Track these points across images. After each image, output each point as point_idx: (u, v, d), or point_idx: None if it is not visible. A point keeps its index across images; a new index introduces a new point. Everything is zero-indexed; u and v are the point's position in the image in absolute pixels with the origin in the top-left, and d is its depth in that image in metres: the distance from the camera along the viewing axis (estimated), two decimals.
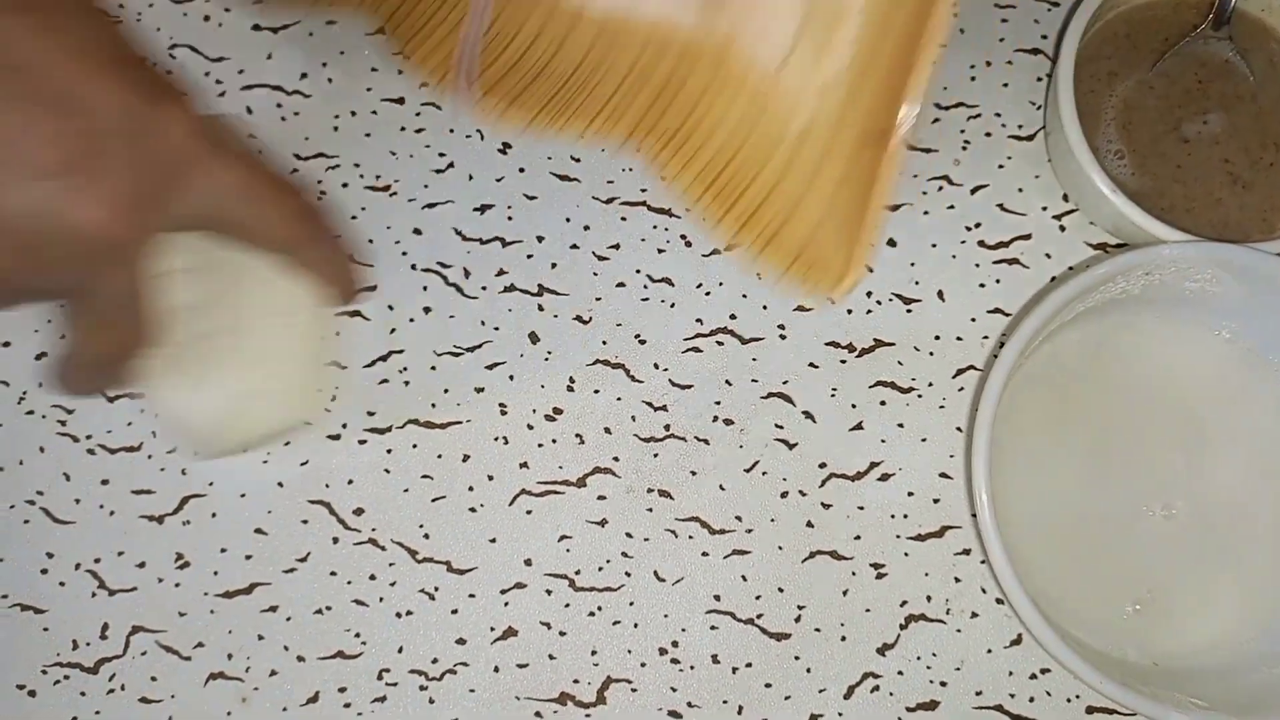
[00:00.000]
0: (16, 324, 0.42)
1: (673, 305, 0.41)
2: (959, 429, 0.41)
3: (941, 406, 0.41)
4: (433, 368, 0.41)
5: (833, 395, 0.41)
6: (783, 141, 0.33)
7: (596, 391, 0.41)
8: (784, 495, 0.40)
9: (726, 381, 0.41)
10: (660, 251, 0.42)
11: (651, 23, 0.36)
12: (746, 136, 0.34)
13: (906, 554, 0.40)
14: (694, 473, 0.40)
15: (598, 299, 0.41)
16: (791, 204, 0.33)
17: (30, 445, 0.41)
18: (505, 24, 0.37)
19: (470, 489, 0.40)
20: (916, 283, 0.42)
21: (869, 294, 0.42)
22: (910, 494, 0.40)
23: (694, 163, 0.34)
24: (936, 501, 0.40)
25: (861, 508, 0.40)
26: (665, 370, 0.41)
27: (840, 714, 0.39)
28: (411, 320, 0.41)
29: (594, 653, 0.39)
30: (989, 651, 0.39)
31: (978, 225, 0.42)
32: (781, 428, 0.41)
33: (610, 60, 0.36)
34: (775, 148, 0.34)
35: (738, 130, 0.34)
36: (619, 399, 0.41)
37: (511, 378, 0.41)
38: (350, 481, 0.41)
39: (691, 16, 0.35)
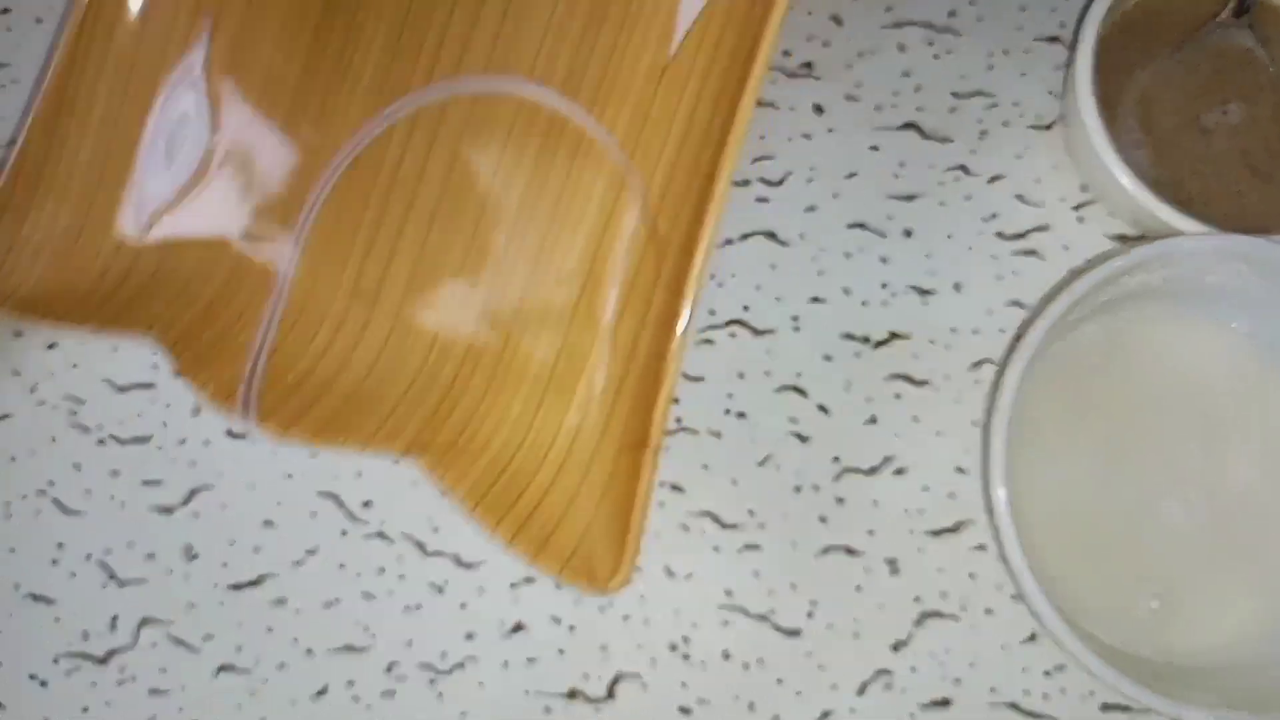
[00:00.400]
0: None
1: None
2: (975, 423, 0.40)
3: (957, 400, 0.40)
4: None
5: (847, 388, 0.41)
6: (556, 442, 0.36)
7: None
8: (797, 490, 0.40)
9: (739, 374, 0.41)
10: None
11: (434, 330, 0.38)
12: (524, 437, 0.36)
13: (921, 550, 0.40)
14: (706, 466, 0.40)
15: None
16: (563, 508, 0.35)
17: (42, 436, 0.41)
18: (293, 342, 0.38)
19: None
20: (932, 274, 0.41)
21: (884, 285, 0.41)
22: (925, 489, 0.40)
23: (471, 472, 0.36)
24: (952, 497, 0.40)
25: (875, 503, 0.40)
26: None
27: (853, 710, 0.39)
28: None
29: (604, 648, 0.39)
30: (1003, 648, 0.39)
31: (995, 216, 0.42)
32: (795, 421, 0.40)
33: (394, 372, 0.38)
34: (549, 449, 0.36)
35: (515, 431, 0.37)
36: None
37: None
38: (359, 474, 0.40)
39: (472, 323, 0.38)
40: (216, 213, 0.40)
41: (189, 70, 0.40)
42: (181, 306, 0.39)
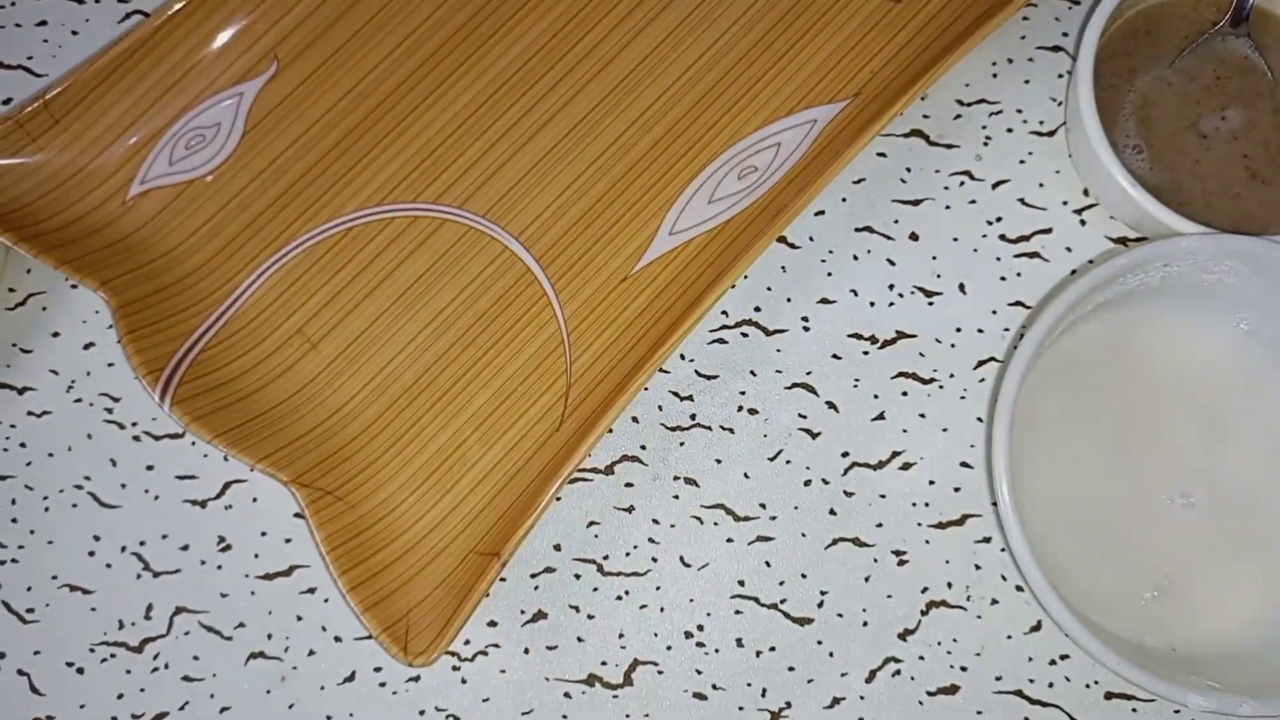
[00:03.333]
0: (65, 315, 0.43)
1: None
2: (980, 419, 0.42)
3: (962, 397, 0.42)
4: None
5: (855, 386, 0.42)
6: (418, 523, 0.40)
7: None
8: (807, 483, 0.41)
9: (751, 372, 0.42)
10: None
11: (355, 391, 0.41)
12: (392, 509, 0.40)
13: (928, 541, 0.41)
14: (719, 461, 0.41)
15: None
16: (402, 581, 0.38)
17: (79, 432, 0.43)
18: (227, 348, 0.41)
19: None
20: (938, 275, 0.42)
21: (891, 286, 0.42)
22: (931, 483, 0.41)
23: (339, 520, 0.39)
24: (957, 490, 0.41)
25: (883, 496, 0.41)
26: (691, 361, 0.42)
27: (862, 697, 0.40)
28: None
29: (621, 635, 0.40)
30: (1009, 637, 0.40)
31: (999, 219, 0.43)
32: (805, 417, 0.42)
33: (307, 412, 0.41)
34: (410, 527, 0.40)
35: (388, 502, 0.40)
36: (646, 389, 0.42)
37: None
38: None
39: (388, 399, 0.41)
40: (203, 213, 0.43)
41: (240, 93, 0.43)
42: (141, 278, 0.42)
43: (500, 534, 0.38)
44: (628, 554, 0.41)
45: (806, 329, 0.42)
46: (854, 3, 0.43)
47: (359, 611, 0.37)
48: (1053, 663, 0.40)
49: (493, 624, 0.41)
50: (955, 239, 0.43)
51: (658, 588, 0.41)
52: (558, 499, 0.41)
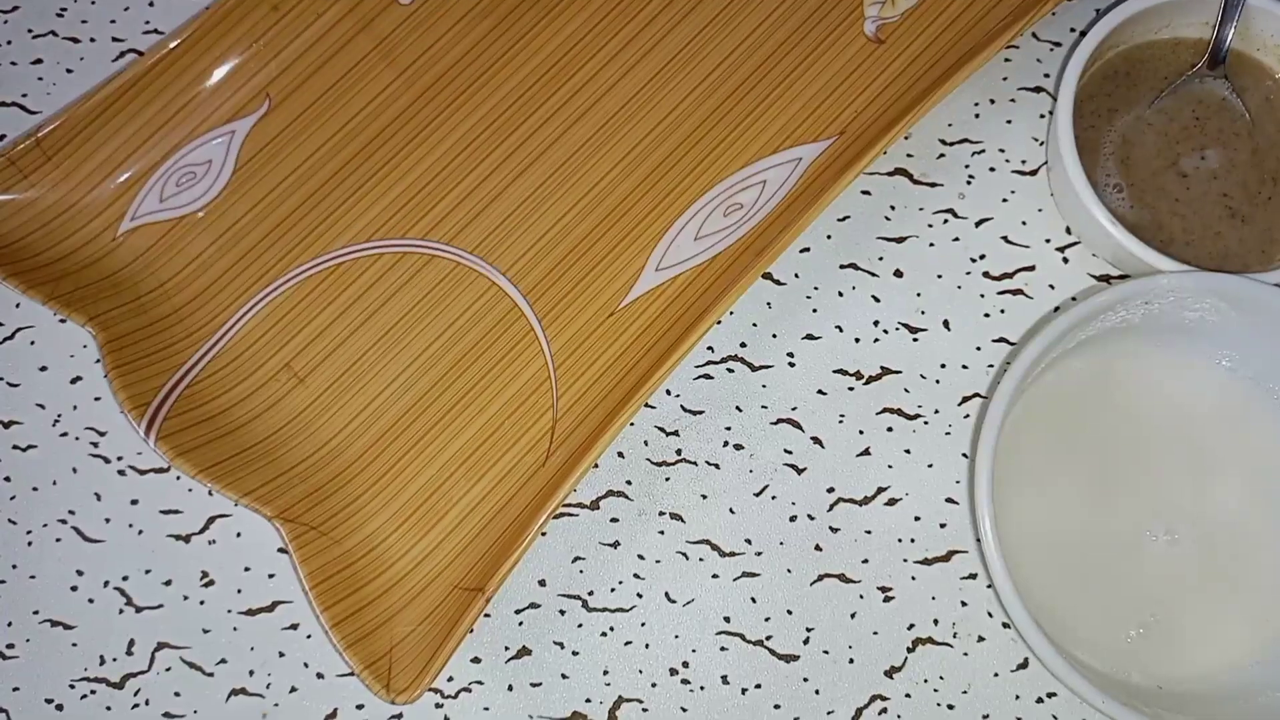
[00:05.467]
0: (52, 349, 0.44)
1: None
2: (964, 455, 0.42)
3: (947, 433, 0.42)
4: None
5: (840, 421, 0.42)
6: (401, 559, 0.40)
7: None
8: (793, 519, 0.41)
9: (737, 408, 0.42)
10: None
11: (341, 426, 0.41)
12: (376, 545, 0.40)
13: (914, 578, 0.41)
14: (705, 496, 0.41)
15: None
16: (385, 618, 0.38)
17: (63, 466, 0.43)
18: (214, 382, 0.42)
19: None
20: (922, 312, 0.43)
21: (876, 323, 0.43)
22: (917, 518, 0.41)
23: (323, 555, 0.39)
24: (943, 526, 0.41)
25: (869, 532, 0.41)
26: (677, 396, 0.42)
27: None
28: None
29: (606, 672, 0.40)
30: (995, 675, 0.40)
31: (982, 257, 0.43)
32: (790, 453, 0.42)
33: (293, 446, 0.41)
34: (393, 564, 0.40)
35: (372, 538, 0.40)
36: (632, 424, 0.42)
37: None
38: None
39: (374, 435, 0.41)
40: (193, 249, 0.43)
41: (232, 130, 0.44)
42: (130, 313, 0.42)
43: (485, 569, 0.38)
44: (613, 590, 0.41)
45: (792, 365, 0.42)
46: (838, 44, 0.44)
47: (341, 648, 0.37)
48: (1040, 700, 0.40)
49: (476, 660, 0.40)
50: (939, 276, 0.43)
51: (643, 624, 0.40)
52: (543, 534, 0.41)
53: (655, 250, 0.42)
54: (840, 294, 0.43)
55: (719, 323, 0.41)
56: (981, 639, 0.40)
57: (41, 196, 0.42)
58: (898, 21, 0.44)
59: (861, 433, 0.42)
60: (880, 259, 0.43)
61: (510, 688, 0.40)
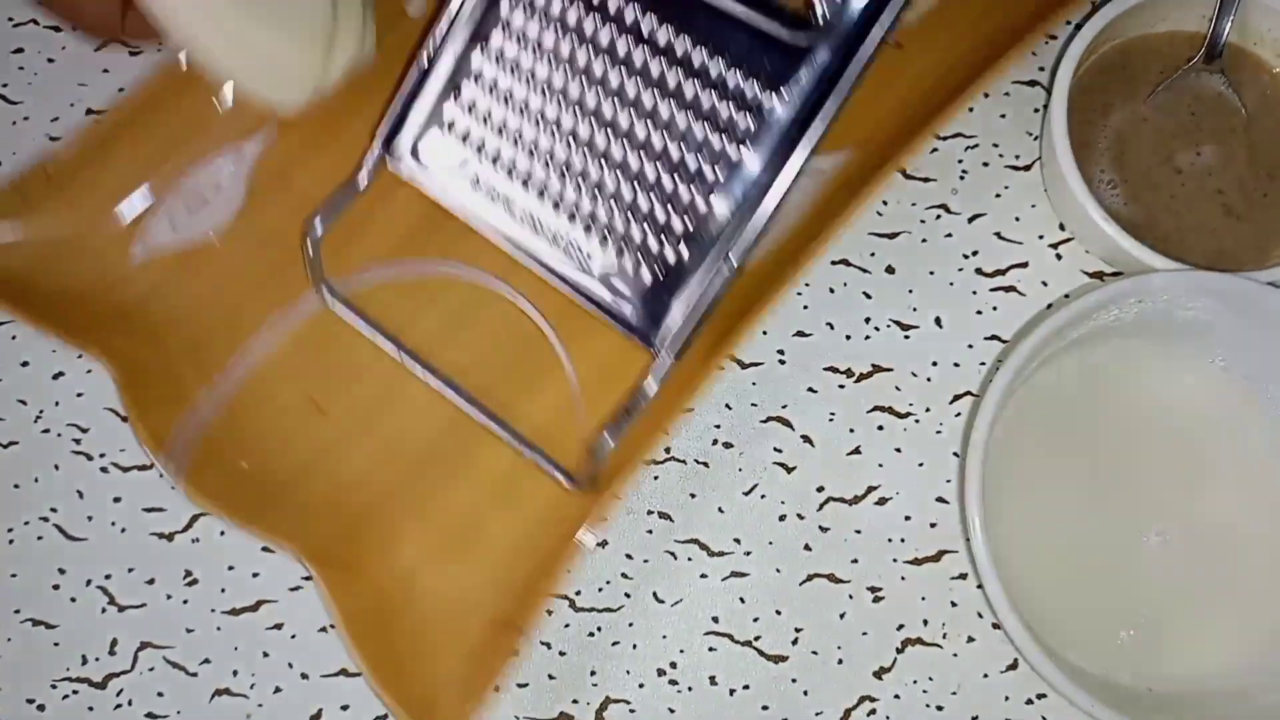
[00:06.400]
0: (33, 344, 0.43)
1: None
2: (955, 454, 0.41)
3: (939, 431, 0.41)
4: None
5: (831, 420, 0.42)
6: (436, 593, 0.38)
7: None
8: (782, 518, 0.41)
9: (726, 405, 0.42)
10: None
11: (367, 457, 0.40)
12: (410, 580, 0.39)
13: (903, 578, 0.40)
14: (693, 495, 0.41)
15: None
16: (422, 654, 0.37)
17: (45, 463, 0.42)
18: (237, 416, 0.40)
19: None
20: (914, 309, 0.42)
21: (867, 320, 0.42)
22: (907, 518, 0.41)
23: (355, 593, 0.38)
24: (933, 526, 0.41)
25: (859, 531, 0.41)
26: None
27: None
28: None
29: (593, 673, 0.40)
30: (985, 676, 0.40)
31: (975, 253, 0.43)
32: (780, 451, 0.41)
33: (319, 482, 0.40)
34: (428, 598, 0.38)
35: (405, 573, 0.39)
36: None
37: None
38: None
39: (402, 465, 0.40)
40: (207, 276, 0.42)
41: (241, 151, 0.43)
42: (145, 345, 0.41)
43: (518, 602, 0.37)
44: (600, 589, 0.40)
45: (782, 362, 0.42)
46: None
47: (379, 689, 0.36)
48: (1029, 702, 0.39)
49: None
50: (931, 272, 0.43)
51: (630, 624, 0.40)
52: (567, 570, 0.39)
53: None
54: (831, 290, 0.43)
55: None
56: (971, 640, 0.40)
57: (50, 228, 0.41)
58: (917, 26, 0.43)
59: (852, 431, 0.41)
60: (872, 255, 0.43)
61: (496, 688, 0.39)
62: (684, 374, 0.38)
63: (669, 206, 0.35)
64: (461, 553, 0.39)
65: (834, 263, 0.43)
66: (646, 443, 0.37)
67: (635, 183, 0.35)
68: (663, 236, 0.35)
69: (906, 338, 0.42)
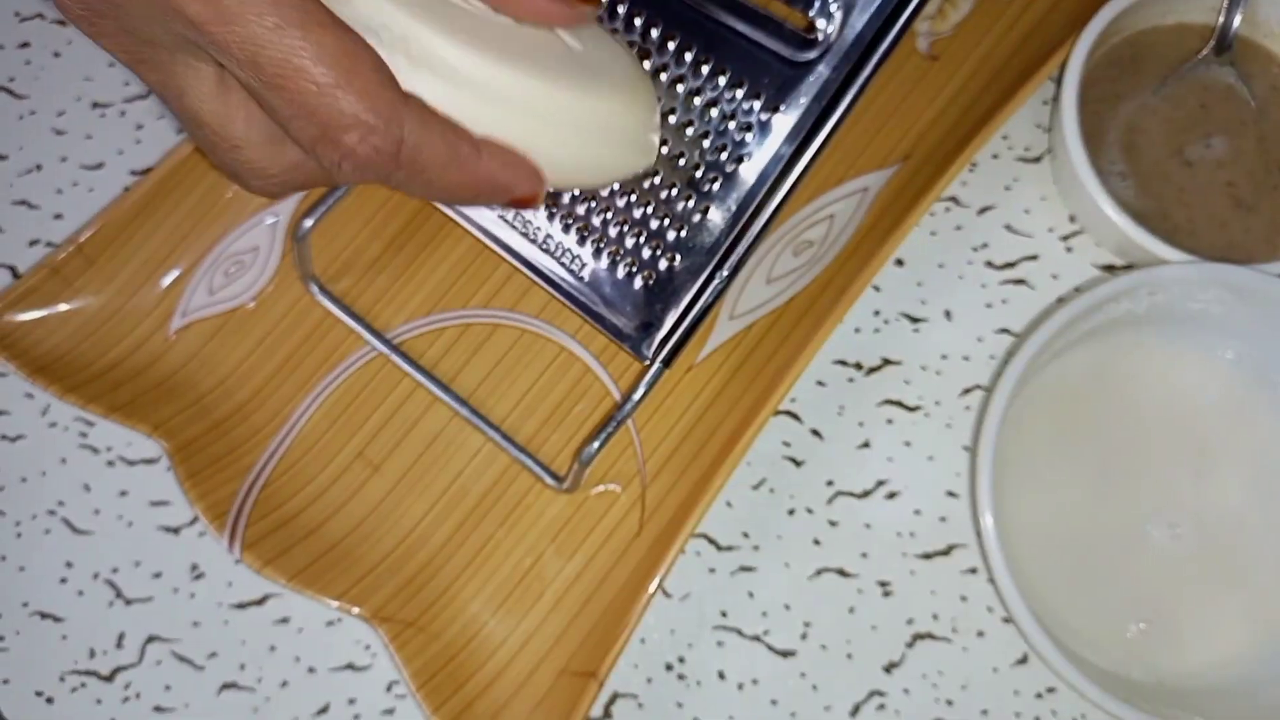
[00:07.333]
0: None
1: None
2: (965, 448, 0.41)
3: (948, 425, 0.41)
4: None
5: (840, 413, 0.41)
6: (505, 645, 0.38)
7: None
8: (791, 512, 0.41)
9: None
10: None
11: (423, 511, 0.40)
12: (477, 632, 0.39)
13: (913, 572, 0.40)
14: None
15: None
16: (496, 709, 0.37)
17: (52, 457, 0.42)
18: (289, 480, 0.40)
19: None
20: (924, 302, 0.42)
21: (876, 313, 0.42)
22: (917, 512, 0.41)
23: (424, 652, 0.37)
24: (943, 520, 0.40)
25: (868, 525, 0.41)
26: None
27: None
28: None
29: None
30: (995, 670, 0.39)
31: (985, 246, 0.43)
32: (789, 445, 0.41)
33: (378, 538, 0.40)
34: (497, 650, 0.38)
35: (471, 625, 0.39)
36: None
37: None
38: None
39: (460, 516, 0.40)
40: (249, 341, 0.42)
41: (276, 213, 0.42)
42: (194, 416, 0.41)
43: (591, 651, 0.37)
44: None
45: None
46: (892, 64, 0.41)
47: None
48: (1039, 696, 0.39)
49: None
50: (941, 265, 0.42)
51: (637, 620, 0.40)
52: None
53: (727, 298, 0.41)
54: None
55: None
56: (981, 634, 0.40)
57: (88, 304, 0.41)
58: (951, 35, 0.43)
59: (861, 425, 0.41)
60: None
61: None
62: (736, 425, 0.38)
63: (664, 217, 0.34)
64: (526, 602, 0.39)
65: None
66: (710, 477, 0.37)
67: (630, 192, 0.35)
68: (656, 246, 0.35)
69: (916, 331, 0.42)
